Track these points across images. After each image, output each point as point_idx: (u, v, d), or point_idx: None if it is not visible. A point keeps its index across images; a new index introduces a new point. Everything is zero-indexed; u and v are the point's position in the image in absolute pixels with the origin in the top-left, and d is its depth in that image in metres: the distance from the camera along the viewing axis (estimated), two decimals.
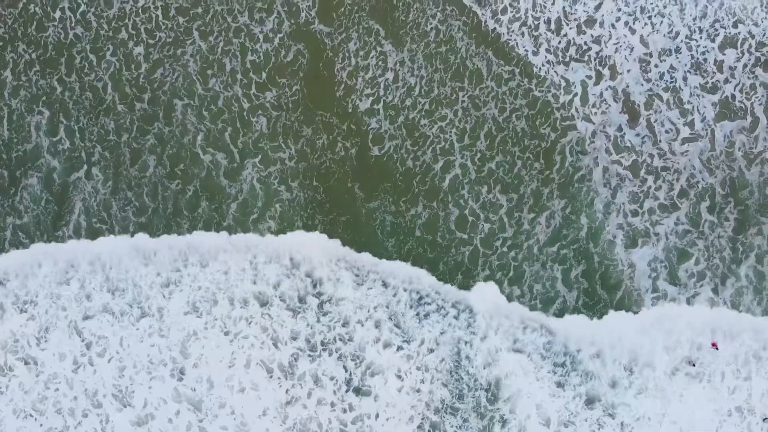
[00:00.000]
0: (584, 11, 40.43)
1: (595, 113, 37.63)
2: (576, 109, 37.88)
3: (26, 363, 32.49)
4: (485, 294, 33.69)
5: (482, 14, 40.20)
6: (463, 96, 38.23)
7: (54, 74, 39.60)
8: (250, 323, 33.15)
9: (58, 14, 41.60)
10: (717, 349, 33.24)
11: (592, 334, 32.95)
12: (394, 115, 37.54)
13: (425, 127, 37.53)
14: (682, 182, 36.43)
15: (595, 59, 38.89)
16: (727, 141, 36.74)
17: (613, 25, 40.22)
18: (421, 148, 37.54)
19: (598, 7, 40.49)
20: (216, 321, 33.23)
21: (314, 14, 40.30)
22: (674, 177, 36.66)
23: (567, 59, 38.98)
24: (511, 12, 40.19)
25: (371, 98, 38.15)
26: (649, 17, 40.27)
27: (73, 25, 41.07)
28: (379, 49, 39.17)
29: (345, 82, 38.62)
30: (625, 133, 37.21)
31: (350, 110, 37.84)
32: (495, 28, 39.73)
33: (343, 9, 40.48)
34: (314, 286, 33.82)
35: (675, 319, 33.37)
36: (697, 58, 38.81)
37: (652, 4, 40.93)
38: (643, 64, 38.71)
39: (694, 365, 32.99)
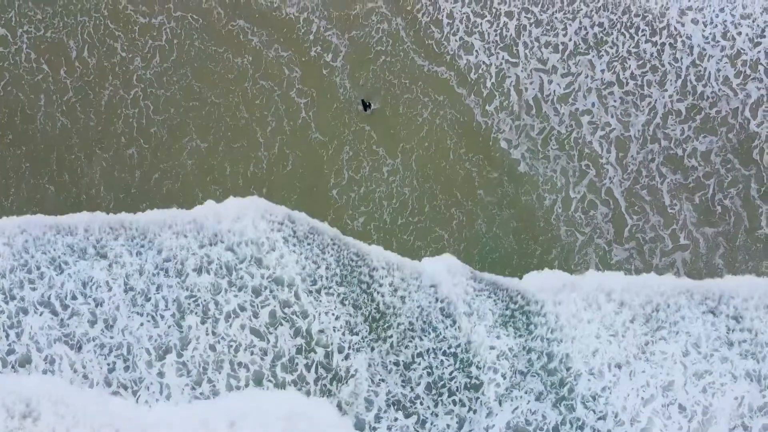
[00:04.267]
0: (558, 84, 40.76)
1: (581, 218, 38.51)
2: (557, 214, 38.74)
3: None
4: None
5: (473, 105, 40.40)
6: (456, 212, 38.73)
7: (45, 173, 39.22)
8: None
9: (43, 99, 40.83)
10: None
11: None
12: (388, 238, 38.03)
13: (421, 249, 38.20)
14: None
15: (575, 145, 39.43)
16: (710, 249, 37.72)
17: (585, 96, 40.65)
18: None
19: (570, 84, 40.72)
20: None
21: (312, 115, 40.17)
22: None
23: (548, 151, 39.61)
24: (499, 99, 40.38)
25: (364, 216, 38.57)
26: (626, 92, 40.56)
27: (59, 114, 40.39)
28: (371, 158, 39.33)
29: (338, 202, 38.86)
30: (613, 248, 38.35)
31: (345, 234, 38.18)
32: (485, 122, 40.05)
33: (336, 106, 40.34)
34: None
35: None
36: (675, 151, 39.33)
37: (629, 76, 41.18)
38: (622, 154, 39.15)
39: None
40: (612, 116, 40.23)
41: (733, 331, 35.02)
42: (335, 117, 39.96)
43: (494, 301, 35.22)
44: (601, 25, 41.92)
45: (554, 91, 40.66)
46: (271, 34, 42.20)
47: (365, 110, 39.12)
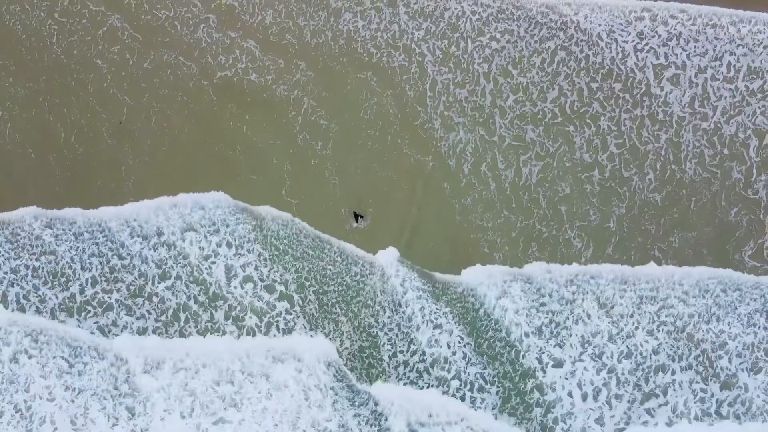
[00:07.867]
0: (534, 166, 41.37)
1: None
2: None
3: None
4: None
5: (454, 201, 41.51)
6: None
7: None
8: None
9: (33, 192, 40.86)
10: None
11: None
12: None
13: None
14: None
15: (556, 244, 40.95)
16: None
17: (561, 176, 41.43)
18: None
19: (548, 166, 41.19)
20: None
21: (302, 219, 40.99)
22: None
23: (530, 255, 41.27)
24: (479, 188, 41.22)
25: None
26: (605, 178, 41.26)
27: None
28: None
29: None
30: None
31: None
32: (468, 220, 41.30)
33: (326, 206, 41.05)
34: None
35: None
36: (653, 251, 40.02)
37: (606, 158, 41.74)
38: (599, 252, 40.09)
39: None
40: (589, 206, 41.03)
41: (724, 402, 33.34)
42: (324, 221, 40.54)
43: (490, 382, 35.22)
44: (580, 92, 42.20)
45: (531, 172, 41.47)
46: (261, 121, 42.17)
47: (356, 222, 40.16)
